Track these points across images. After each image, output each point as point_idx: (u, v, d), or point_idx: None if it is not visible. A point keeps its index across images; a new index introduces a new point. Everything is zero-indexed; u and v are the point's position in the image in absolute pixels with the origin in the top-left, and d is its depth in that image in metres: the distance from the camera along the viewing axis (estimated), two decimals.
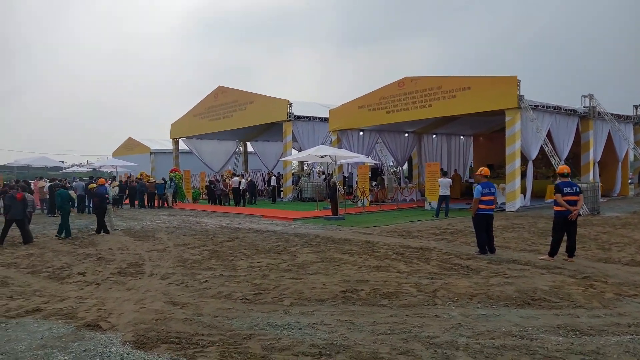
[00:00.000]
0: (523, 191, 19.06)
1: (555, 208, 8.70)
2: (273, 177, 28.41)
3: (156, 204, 25.50)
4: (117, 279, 8.14)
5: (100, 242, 12.72)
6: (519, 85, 17.95)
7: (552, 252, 8.71)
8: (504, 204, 18.18)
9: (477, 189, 9.49)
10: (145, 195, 25.43)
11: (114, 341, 5.06)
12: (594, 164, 21.58)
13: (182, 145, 35.79)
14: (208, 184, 28.37)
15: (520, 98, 17.82)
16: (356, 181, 24.19)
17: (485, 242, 9.50)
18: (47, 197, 21.52)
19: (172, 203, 26.27)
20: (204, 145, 34.57)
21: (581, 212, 9.17)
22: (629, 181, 25.39)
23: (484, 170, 9.84)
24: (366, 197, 21.19)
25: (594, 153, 21.38)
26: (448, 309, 5.87)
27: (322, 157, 19.49)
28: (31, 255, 10.75)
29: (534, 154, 19.05)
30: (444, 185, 16.86)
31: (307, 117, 27.19)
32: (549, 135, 19.23)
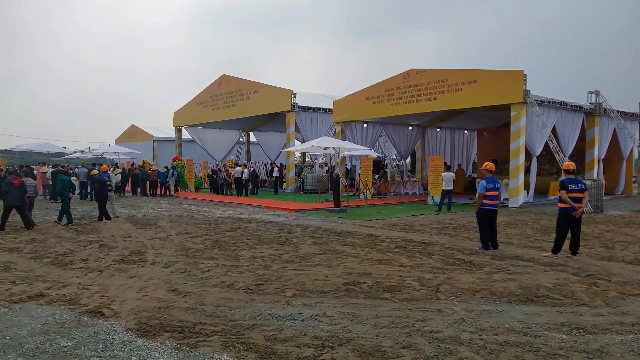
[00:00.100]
0: (526, 187, 19.01)
1: (560, 205, 8.66)
2: (275, 168, 28.37)
3: (158, 192, 25.51)
4: (120, 266, 8.14)
5: (102, 229, 12.73)
6: (525, 80, 17.82)
7: (556, 249, 8.68)
8: (506, 199, 18.13)
9: (481, 183, 9.45)
10: (148, 183, 25.43)
11: (117, 328, 5.06)
12: (599, 161, 21.49)
13: (185, 134, 35.71)
14: (210, 173, 28.35)
15: (526, 93, 17.71)
16: (359, 174, 24.14)
17: (489, 237, 9.47)
18: (50, 182, 21.52)
19: (174, 191, 26.28)
20: (206, 134, 34.49)
21: (585, 210, 9.14)
22: (633, 179, 25.27)
23: (489, 165, 9.79)
24: (369, 190, 21.15)
25: (598, 150, 21.27)
26: (451, 304, 5.86)
27: (325, 148, 19.43)
28: (34, 241, 10.76)
29: (538, 150, 18.96)
30: (447, 180, 16.80)
31: (310, 107, 27.07)
32: (554, 131, 19.11)
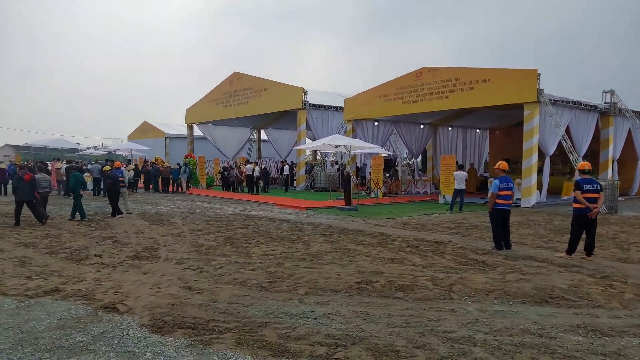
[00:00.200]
0: (539, 187, 18.83)
1: (575, 205, 8.57)
2: (286, 166, 28.41)
3: (170, 188, 25.66)
4: (133, 262, 8.21)
5: (115, 225, 12.84)
6: (538, 79, 17.65)
7: (570, 250, 8.59)
8: (519, 199, 17.97)
9: (494, 183, 9.38)
10: (160, 180, 25.60)
11: (131, 324, 5.10)
12: (613, 161, 21.23)
13: (197, 131, 35.90)
14: (222, 170, 28.46)
15: (539, 92, 17.53)
16: (369, 172, 24.09)
17: (502, 237, 9.40)
18: (64, 178, 21.75)
19: (186, 188, 26.43)
20: (218, 131, 34.64)
21: (600, 211, 9.04)
22: None
23: (502, 164, 9.70)
24: (379, 188, 21.09)
25: (613, 150, 21.01)
26: (464, 304, 5.82)
27: (336, 146, 19.41)
28: (49, 236, 10.88)
29: (551, 149, 18.78)
30: (459, 179, 16.70)
31: (322, 105, 27.06)
32: (567, 131, 18.91)
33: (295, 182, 27.81)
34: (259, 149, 37.49)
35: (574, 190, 8.54)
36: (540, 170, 19.00)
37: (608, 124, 20.73)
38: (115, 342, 4.63)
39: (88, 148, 45.22)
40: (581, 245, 8.65)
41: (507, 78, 18.51)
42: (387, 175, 24.68)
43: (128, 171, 23.05)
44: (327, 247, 9.52)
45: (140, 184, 26.48)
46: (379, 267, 7.77)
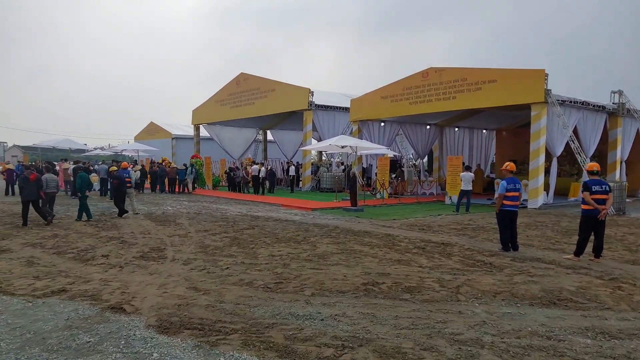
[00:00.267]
0: (546, 188, 18.73)
1: (583, 207, 8.50)
2: (292, 167, 28.42)
3: (177, 189, 25.73)
4: (140, 262, 8.23)
5: (122, 225, 12.88)
6: (546, 79, 17.55)
7: (578, 252, 8.52)
8: (526, 200, 17.87)
9: (501, 184, 9.33)
10: (166, 181, 25.68)
11: (138, 325, 5.11)
12: (621, 162, 21.06)
13: (203, 132, 36.00)
14: (228, 171, 28.51)
15: (547, 92, 17.44)
16: (375, 173, 24.05)
17: (509, 239, 9.35)
18: (71, 179, 21.87)
19: (192, 189, 26.49)
20: (224, 132, 34.72)
21: (609, 212, 8.97)
22: None
23: (509, 165, 9.65)
24: (385, 189, 21.05)
25: (621, 151, 20.85)
26: (472, 306, 5.79)
27: (342, 147, 19.39)
28: (56, 236, 10.94)
29: (559, 150, 18.67)
30: (466, 180, 16.63)
31: (328, 106, 27.05)
32: (575, 131, 18.79)
33: (300, 182, 27.81)
34: (265, 150, 37.55)
35: (582, 192, 8.48)
36: (547, 171, 18.89)
37: (616, 124, 20.58)
38: (122, 342, 4.63)
39: (95, 149, 45.38)
40: (589, 247, 8.58)
41: (515, 78, 18.42)
42: (393, 176, 24.63)
43: (135, 172, 23.17)
44: (333, 248, 9.51)
45: (147, 184, 26.57)
46: (386, 269, 7.74)
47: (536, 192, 17.93)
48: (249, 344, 4.57)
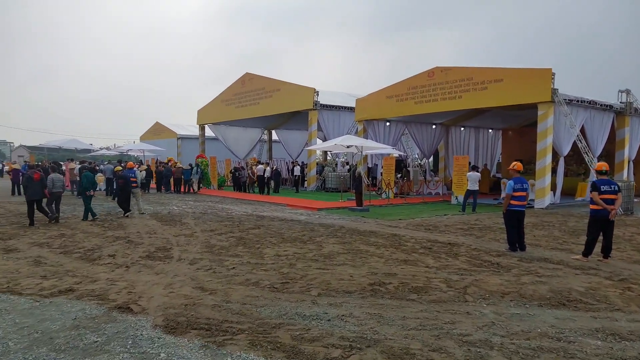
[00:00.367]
0: (553, 188, 18.61)
1: (592, 207, 8.42)
2: (297, 166, 28.40)
3: (182, 189, 25.79)
4: (146, 262, 8.23)
5: (128, 225, 12.90)
6: (553, 78, 17.44)
7: (587, 252, 8.45)
8: (532, 200, 17.77)
9: (509, 184, 9.27)
10: (172, 180, 25.73)
11: (145, 325, 5.10)
12: (629, 162, 20.90)
13: (208, 132, 36.06)
14: (233, 170, 28.54)
15: (554, 91, 17.32)
16: (381, 173, 24.00)
17: (516, 239, 9.29)
18: (77, 178, 21.95)
19: (197, 189, 26.53)
20: (229, 132, 34.76)
21: (618, 212, 8.89)
22: None
23: (516, 165, 9.59)
24: (391, 189, 20.99)
25: (629, 151, 20.69)
26: (479, 307, 5.75)
27: (348, 147, 19.35)
28: (63, 236, 10.97)
29: (566, 150, 18.55)
30: (472, 180, 16.54)
31: (333, 106, 27.02)
32: (582, 131, 18.66)
33: (306, 182, 27.79)
34: (270, 150, 37.56)
35: (591, 192, 8.40)
36: (554, 171, 18.77)
37: (624, 124, 20.42)
38: (130, 342, 4.63)
39: (101, 149, 45.59)
40: (597, 248, 8.51)
41: (521, 78, 18.32)
42: (399, 175, 24.57)
43: (140, 171, 23.22)
44: (339, 248, 9.48)
45: (153, 184, 26.63)
46: (392, 269, 7.70)
47: (543, 192, 17.82)
48: (256, 344, 4.55)
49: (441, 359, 4.21)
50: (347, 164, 28.41)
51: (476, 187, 16.57)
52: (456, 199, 19.26)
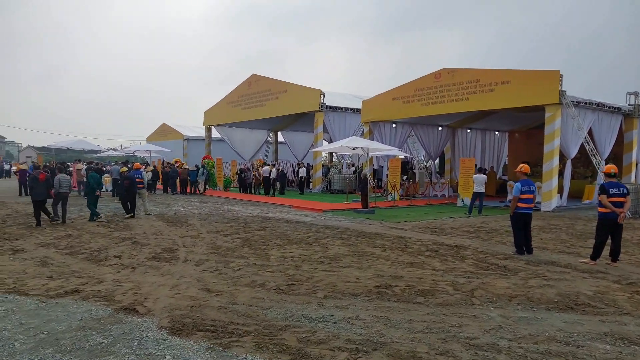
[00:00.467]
0: (560, 191, 18.50)
1: (600, 210, 8.35)
2: (303, 168, 28.40)
3: (188, 190, 25.85)
4: (152, 263, 8.24)
5: (134, 226, 12.94)
6: (561, 80, 17.34)
7: (595, 256, 8.37)
8: (539, 203, 17.66)
9: (516, 186, 9.21)
10: (178, 181, 25.80)
11: (151, 326, 5.09)
12: (637, 164, 20.75)
13: (215, 133, 36.15)
14: (239, 172, 28.57)
15: (561, 94, 17.23)
16: (386, 174, 23.95)
17: (523, 242, 9.23)
18: (84, 179, 22.05)
19: (203, 190, 26.58)
20: (235, 133, 34.82)
21: (626, 215, 8.81)
22: None
23: (524, 167, 9.54)
24: (397, 191, 20.94)
25: (637, 153, 20.53)
26: (487, 310, 5.70)
27: (354, 148, 19.33)
28: (69, 237, 11.01)
29: (573, 152, 18.44)
30: (479, 182, 16.47)
31: (339, 107, 27.00)
32: (590, 133, 18.55)
33: (311, 184, 27.78)
34: (276, 151, 37.59)
35: (599, 194, 8.34)
36: (561, 174, 18.66)
37: (632, 126, 20.28)
38: (135, 344, 4.62)
39: (108, 149, 45.78)
40: (606, 251, 8.43)
41: (529, 79, 18.23)
42: (404, 177, 24.51)
43: (147, 172, 23.30)
44: (345, 250, 9.45)
45: (159, 185, 26.72)
46: (398, 271, 7.67)
47: (550, 194, 17.72)
48: (262, 346, 4.54)
49: None
50: (353, 165, 28.39)
51: (482, 190, 16.49)
52: (462, 201, 19.19)
